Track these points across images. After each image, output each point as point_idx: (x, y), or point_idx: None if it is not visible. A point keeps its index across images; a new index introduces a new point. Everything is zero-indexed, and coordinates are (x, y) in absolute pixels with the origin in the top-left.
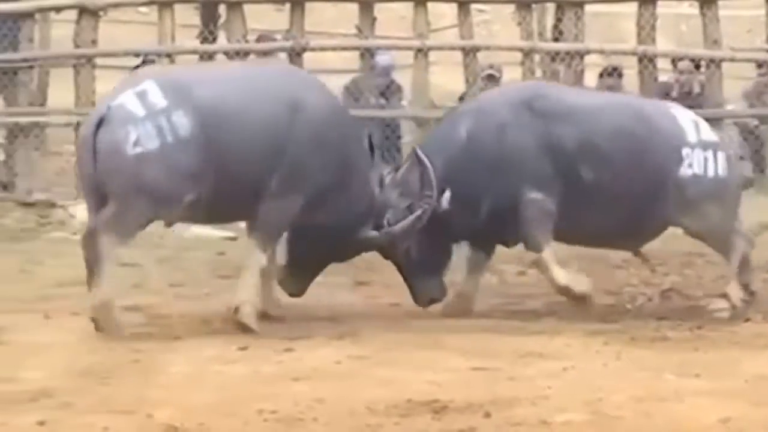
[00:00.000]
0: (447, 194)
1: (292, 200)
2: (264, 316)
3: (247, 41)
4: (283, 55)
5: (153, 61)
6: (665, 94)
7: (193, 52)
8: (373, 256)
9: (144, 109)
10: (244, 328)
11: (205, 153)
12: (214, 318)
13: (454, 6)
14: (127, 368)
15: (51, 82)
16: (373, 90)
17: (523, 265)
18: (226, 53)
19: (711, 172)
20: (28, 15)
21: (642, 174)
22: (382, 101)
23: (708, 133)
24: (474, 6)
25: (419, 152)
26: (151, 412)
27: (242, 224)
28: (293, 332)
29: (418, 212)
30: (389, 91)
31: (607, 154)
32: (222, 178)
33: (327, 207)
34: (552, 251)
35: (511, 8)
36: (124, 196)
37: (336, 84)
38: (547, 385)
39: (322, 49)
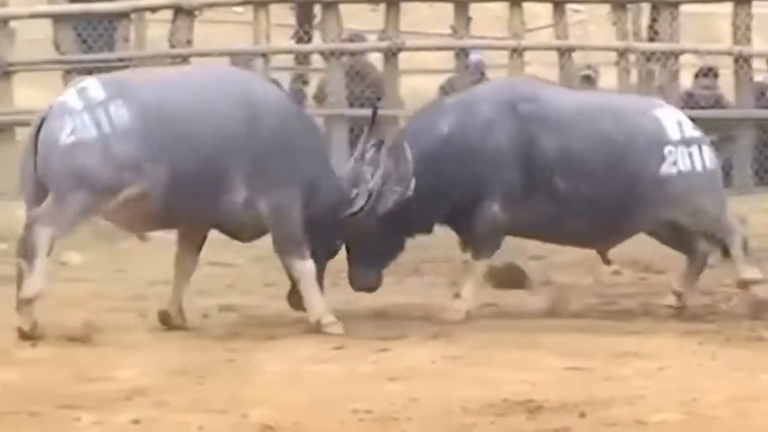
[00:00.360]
0: (411, 184)
1: (290, 199)
2: None
3: (342, 41)
4: (378, 55)
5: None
6: (761, 93)
7: (289, 51)
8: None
9: (82, 103)
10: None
11: (148, 145)
12: (308, 317)
13: (549, 6)
14: (221, 367)
15: None
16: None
17: (619, 264)
18: (322, 53)
19: (698, 167)
20: (123, 15)
21: (619, 177)
22: None
23: (691, 130)
24: (569, 6)
25: (406, 146)
26: (246, 412)
27: None
28: (388, 332)
29: (387, 194)
30: None
31: (584, 164)
32: (174, 174)
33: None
34: (485, 266)
35: (606, 8)
36: (60, 185)
37: (431, 84)
38: (642, 385)
39: (418, 49)
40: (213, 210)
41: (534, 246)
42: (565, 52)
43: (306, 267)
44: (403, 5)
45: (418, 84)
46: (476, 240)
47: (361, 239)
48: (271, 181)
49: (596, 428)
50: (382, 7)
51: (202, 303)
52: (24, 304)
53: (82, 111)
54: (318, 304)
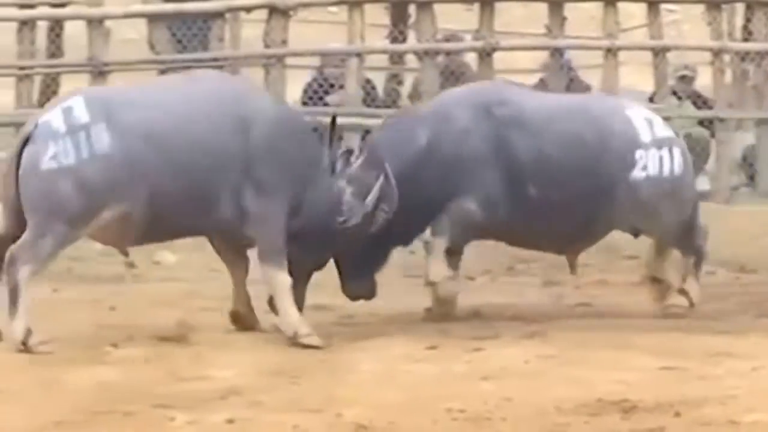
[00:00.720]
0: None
1: (276, 208)
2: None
3: (436, 41)
4: (473, 55)
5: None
6: None
7: (383, 51)
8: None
9: (65, 125)
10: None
11: (127, 169)
12: (402, 317)
13: (643, 6)
14: (316, 367)
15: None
16: (562, 90)
17: (713, 264)
18: (416, 53)
19: (666, 172)
20: (218, 15)
21: (591, 182)
22: None
23: (662, 130)
24: (664, 6)
25: (387, 169)
26: (341, 411)
27: None
28: (482, 331)
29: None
30: (574, 89)
31: (556, 168)
32: (159, 196)
33: (299, 212)
34: (443, 244)
35: (700, 8)
36: (37, 214)
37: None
38: (735, 385)
39: (512, 48)
40: (202, 226)
41: (630, 245)
42: (659, 52)
43: (283, 278)
44: (498, 5)
45: None
46: (443, 223)
47: (349, 252)
48: (258, 190)
49: (690, 428)
50: (477, 6)
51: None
52: (23, 345)
53: (65, 135)
54: (293, 316)
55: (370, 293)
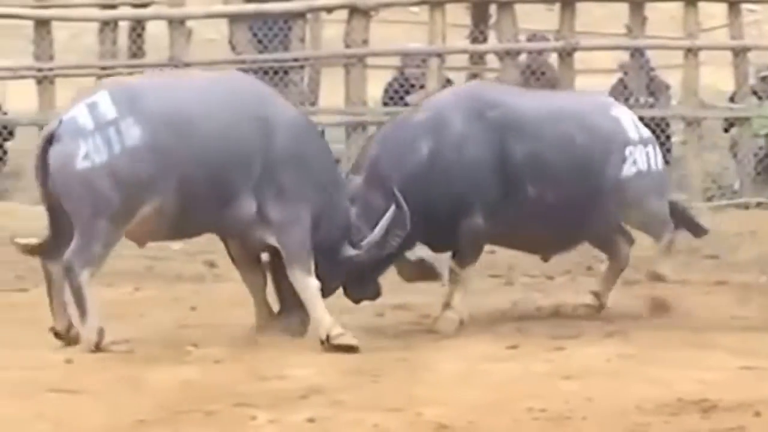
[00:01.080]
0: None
1: (300, 213)
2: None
3: (517, 41)
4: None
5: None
6: None
7: (464, 51)
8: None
9: (93, 122)
10: (347, 349)
11: (159, 161)
12: (483, 316)
13: (724, 6)
14: (396, 366)
15: (321, 81)
16: (642, 89)
17: None
18: (497, 53)
19: (653, 167)
20: (299, 15)
21: (586, 179)
22: (651, 100)
23: (642, 128)
24: (745, 6)
25: (397, 193)
26: (421, 410)
27: None
28: (562, 331)
29: (390, 239)
30: (654, 88)
31: (553, 167)
32: (186, 187)
33: (318, 226)
34: (470, 273)
35: None
36: (81, 216)
37: (606, 84)
38: None
39: (592, 48)
40: (221, 223)
41: (708, 245)
42: (739, 53)
43: (312, 282)
44: (579, 5)
45: (593, 84)
46: (461, 250)
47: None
48: (282, 195)
49: None
50: (557, 7)
51: (377, 301)
52: (97, 346)
53: (94, 131)
54: (325, 318)
55: (374, 294)
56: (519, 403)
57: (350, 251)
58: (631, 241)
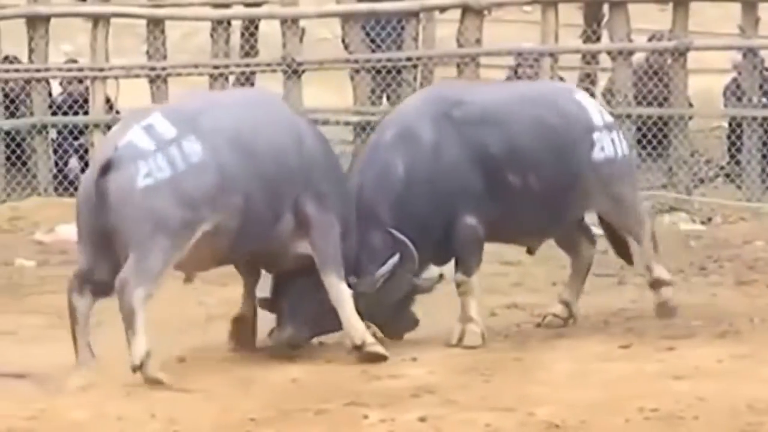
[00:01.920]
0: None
1: (332, 220)
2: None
3: (630, 40)
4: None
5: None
6: None
7: (576, 51)
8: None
9: (153, 142)
10: (378, 357)
11: (221, 177)
12: (594, 316)
13: None
14: (509, 366)
15: (434, 81)
16: (755, 89)
17: None
18: (609, 53)
19: (619, 153)
20: (412, 14)
21: (562, 164)
22: (765, 100)
23: (607, 114)
24: None
25: (395, 233)
26: (533, 410)
27: None
28: (675, 331)
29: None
30: (766, 89)
31: (529, 153)
32: (246, 204)
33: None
34: (477, 278)
35: None
36: (140, 235)
37: (719, 84)
38: None
39: (706, 48)
40: (270, 238)
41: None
42: None
43: (345, 288)
44: (692, 5)
45: (706, 84)
46: (462, 257)
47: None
48: (317, 201)
49: None
50: (671, 6)
51: (490, 301)
52: (139, 369)
53: (155, 152)
54: (359, 324)
55: (412, 325)
56: (631, 402)
57: (355, 281)
58: (593, 242)
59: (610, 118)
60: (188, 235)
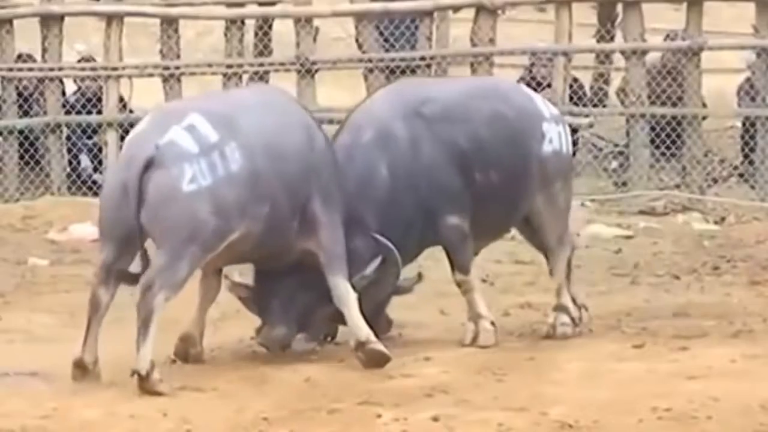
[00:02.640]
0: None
1: (337, 219)
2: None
3: (644, 40)
4: (656, 55)
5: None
6: None
7: (590, 50)
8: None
9: (197, 146)
10: (381, 356)
11: (255, 186)
12: (609, 315)
13: None
14: (522, 365)
15: None
16: None
17: None
18: (623, 52)
19: (564, 148)
20: (426, 13)
21: (517, 158)
22: None
23: (553, 107)
24: None
25: (378, 238)
26: (546, 410)
27: (642, 222)
28: (688, 330)
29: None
30: None
31: (490, 148)
32: (273, 213)
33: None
34: (476, 274)
35: None
36: (175, 239)
37: (733, 84)
38: None
39: (719, 48)
40: (283, 240)
41: None
42: None
43: (349, 287)
44: (706, 4)
45: (720, 83)
46: (454, 258)
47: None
48: (324, 199)
49: None
50: (685, 6)
51: (504, 301)
52: (141, 380)
53: (199, 155)
54: (362, 323)
55: (387, 328)
56: (644, 402)
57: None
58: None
59: (555, 112)
60: (217, 245)
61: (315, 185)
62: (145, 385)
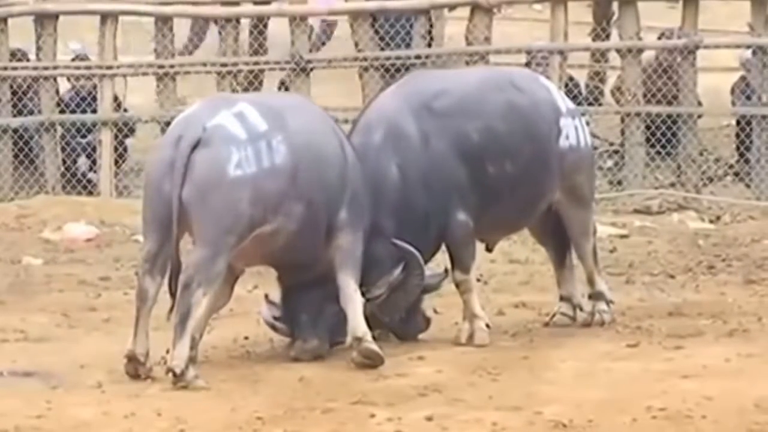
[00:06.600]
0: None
1: (360, 227)
2: None
3: (639, 38)
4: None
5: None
6: None
7: (585, 49)
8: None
9: (245, 132)
10: (374, 355)
11: (295, 183)
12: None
13: None
14: (515, 364)
15: None
16: (765, 88)
17: None
18: (619, 51)
19: (582, 142)
20: (421, 12)
21: (534, 151)
22: None
23: (569, 101)
24: None
25: (399, 243)
26: (540, 409)
27: (637, 221)
28: (682, 330)
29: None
30: None
31: (505, 140)
32: (307, 212)
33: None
34: (474, 275)
35: None
36: (216, 230)
37: (728, 82)
38: None
39: (715, 46)
40: (314, 246)
41: None
42: None
43: (356, 287)
44: (702, 3)
45: (715, 82)
46: (457, 256)
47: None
48: (352, 202)
49: None
50: (680, 4)
51: (498, 300)
52: (176, 378)
53: (247, 142)
54: (362, 321)
55: (424, 325)
56: (638, 401)
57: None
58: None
59: (572, 106)
60: (245, 236)
61: (347, 196)
62: (180, 382)
